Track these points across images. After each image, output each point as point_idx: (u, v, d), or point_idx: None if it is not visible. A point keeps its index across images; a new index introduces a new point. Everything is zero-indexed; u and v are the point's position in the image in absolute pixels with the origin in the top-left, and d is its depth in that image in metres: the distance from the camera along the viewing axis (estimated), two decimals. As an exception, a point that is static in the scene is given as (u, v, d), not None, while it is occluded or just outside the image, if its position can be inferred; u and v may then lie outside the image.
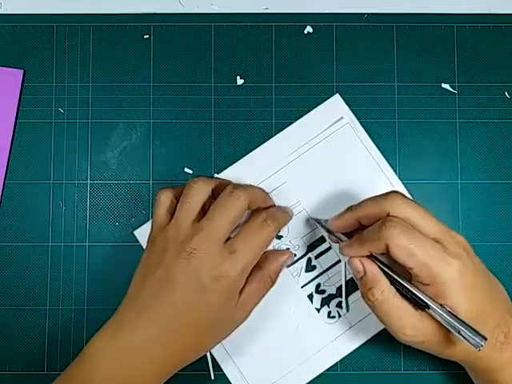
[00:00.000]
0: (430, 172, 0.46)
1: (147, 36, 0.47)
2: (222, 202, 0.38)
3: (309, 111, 0.46)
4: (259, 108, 0.46)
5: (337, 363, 0.44)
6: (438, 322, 0.36)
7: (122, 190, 0.46)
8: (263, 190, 0.42)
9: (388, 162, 0.45)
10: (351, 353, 0.44)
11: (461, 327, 0.34)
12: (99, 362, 0.36)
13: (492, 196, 0.45)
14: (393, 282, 0.37)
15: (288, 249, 0.45)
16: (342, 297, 0.44)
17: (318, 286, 0.45)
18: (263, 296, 0.41)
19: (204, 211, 0.39)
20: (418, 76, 0.46)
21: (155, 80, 0.46)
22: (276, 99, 0.46)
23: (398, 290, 0.37)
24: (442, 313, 0.35)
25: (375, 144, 0.46)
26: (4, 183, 0.45)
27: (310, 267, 0.45)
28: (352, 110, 0.46)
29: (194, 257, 0.36)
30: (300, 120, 0.46)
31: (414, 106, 0.46)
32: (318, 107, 0.46)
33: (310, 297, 0.45)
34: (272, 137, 0.46)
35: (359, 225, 0.40)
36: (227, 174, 0.45)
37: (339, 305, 0.44)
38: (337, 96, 0.46)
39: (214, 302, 0.37)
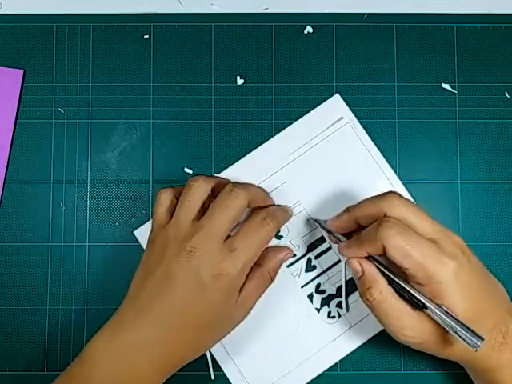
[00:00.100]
0: (429, 172, 0.46)
1: (147, 36, 0.47)
2: (221, 200, 0.38)
3: (309, 111, 0.46)
4: (259, 108, 0.46)
5: (337, 363, 0.44)
6: (436, 323, 0.36)
7: (122, 190, 0.46)
8: (263, 189, 0.42)
9: (388, 162, 0.45)
10: (351, 353, 0.44)
11: (458, 327, 0.34)
12: (99, 362, 0.36)
13: (492, 196, 0.45)
14: (391, 282, 0.37)
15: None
16: (342, 297, 0.44)
17: (318, 285, 0.45)
18: (262, 293, 0.41)
19: (204, 210, 0.39)
20: (418, 76, 0.46)
21: (155, 80, 0.46)
22: (276, 99, 0.46)
23: (396, 291, 0.37)
24: (439, 313, 0.35)
25: (375, 144, 0.46)
26: (4, 183, 0.45)
27: (310, 267, 0.45)
28: (352, 110, 0.46)
29: (193, 255, 0.37)
30: (300, 120, 0.46)
31: (414, 106, 0.46)
32: (318, 107, 0.46)
33: (310, 297, 0.45)
34: (272, 137, 0.46)
35: (358, 225, 0.40)
36: (227, 174, 0.45)
37: (339, 305, 0.44)
38: (337, 96, 0.46)
39: (214, 300, 0.37)
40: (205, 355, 0.43)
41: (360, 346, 0.44)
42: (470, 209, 0.45)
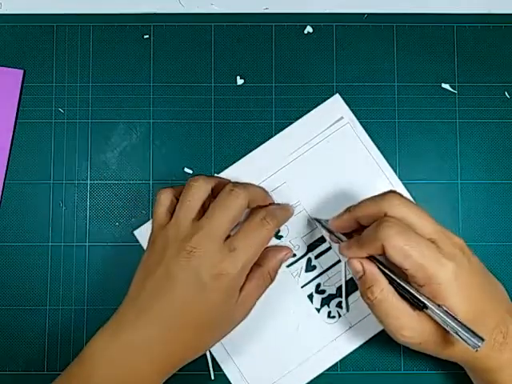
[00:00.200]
0: (429, 172, 0.46)
1: (147, 36, 0.47)
2: (221, 200, 0.38)
3: (309, 111, 0.46)
4: (259, 108, 0.46)
5: (337, 363, 0.44)
6: (436, 323, 0.36)
7: (122, 190, 0.46)
8: (263, 189, 0.42)
9: (388, 162, 0.45)
10: (351, 353, 0.44)
11: (458, 328, 0.34)
12: (99, 362, 0.36)
13: (492, 196, 0.45)
14: (391, 282, 0.37)
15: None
16: (342, 297, 0.44)
17: (318, 285, 0.45)
18: (262, 293, 0.41)
19: (204, 210, 0.39)
20: (418, 76, 0.46)
21: (155, 80, 0.46)
22: (276, 99, 0.46)
23: (396, 291, 0.37)
24: (439, 313, 0.35)
25: (375, 144, 0.46)
26: (4, 183, 0.45)
27: (310, 267, 0.45)
28: (352, 110, 0.46)
29: (193, 255, 0.37)
30: (300, 120, 0.46)
31: (414, 106, 0.46)
32: (318, 107, 0.46)
33: (310, 297, 0.45)
34: (272, 137, 0.46)
35: (359, 225, 0.40)
36: (227, 174, 0.45)
37: (339, 305, 0.44)
38: (337, 96, 0.46)
39: (214, 300, 0.37)
40: (205, 355, 0.43)
41: (360, 346, 0.44)
42: (470, 209, 0.45)
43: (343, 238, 0.41)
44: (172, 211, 0.39)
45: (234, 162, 0.46)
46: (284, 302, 0.44)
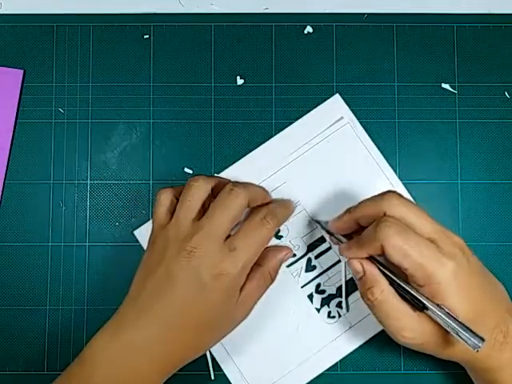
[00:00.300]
0: (429, 172, 0.46)
1: (147, 36, 0.47)
2: (221, 200, 0.38)
3: (309, 111, 0.46)
4: (259, 108, 0.46)
5: (337, 363, 0.44)
6: (436, 324, 0.36)
7: (122, 190, 0.46)
8: (263, 188, 0.42)
9: (388, 162, 0.45)
10: (351, 353, 0.44)
11: (458, 328, 0.34)
12: (99, 362, 0.36)
13: (492, 196, 0.45)
14: (391, 283, 0.37)
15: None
16: (342, 297, 0.44)
17: (318, 285, 0.45)
18: (263, 293, 0.41)
19: (204, 210, 0.39)
20: (418, 76, 0.46)
21: (155, 80, 0.46)
22: (276, 99, 0.46)
23: (396, 292, 0.37)
24: (439, 313, 0.35)
25: (375, 144, 0.46)
26: (4, 183, 0.45)
27: (310, 267, 0.45)
28: (352, 110, 0.46)
29: (194, 255, 0.37)
30: (300, 120, 0.46)
31: (414, 106, 0.46)
32: (318, 107, 0.46)
33: (310, 297, 0.45)
34: (272, 137, 0.46)
35: (358, 226, 0.40)
36: (227, 174, 0.45)
37: (339, 305, 0.44)
38: (337, 96, 0.46)
39: (215, 300, 0.37)
40: (205, 355, 0.43)
41: (360, 346, 0.44)
42: (470, 209, 0.45)
43: (343, 239, 0.41)
44: (172, 211, 0.39)
45: (234, 162, 0.46)
46: (284, 302, 0.44)
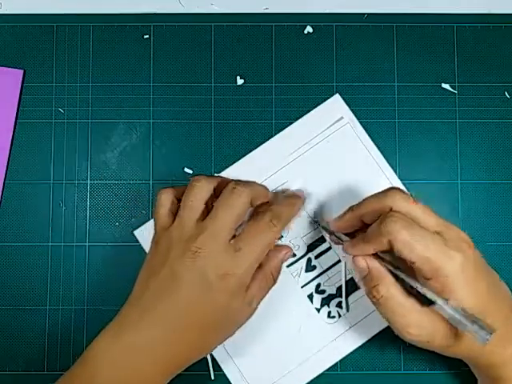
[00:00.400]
0: (429, 172, 0.46)
1: (147, 36, 0.47)
2: (224, 199, 0.38)
3: (309, 111, 0.46)
4: (259, 108, 0.46)
5: (337, 363, 0.44)
6: (442, 320, 0.36)
7: (122, 190, 0.46)
8: (265, 186, 0.42)
9: (388, 162, 0.45)
10: (351, 353, 0.44)
11: (467, 321, 0.34)
12: (101, 363, 0.36)
13: (492, 196, 0.45)
14: (397, 279, 0.37)
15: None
16: (342, 297, 0.44)
17: (318, 285, 0.45)
18: (266, 294, 0.41)
19: (207, 210, 0.39)
20: (418, 76, 0.46)
21: (155, 80, 0.46)
22: (276, 99, 0.46)
23: (402, 288, 0.37)
24: (447, 307, 0.35)
25: (375, 144, 0.46)
26: (4, 183, 0.45)
27: (310, 267, 0.45)
28: (352, 110, 0.46)
29: (199, 256, 0.36)
30: (300, 120, 0.46)
31: (414, 106, 0.46)
32: (318, 107, 0.46)
33: (310, 297, 0.45)
34: (272, 137, 0.46)
35: (361, 224, 0.40)
36: (227, 174, 0.45)
37: (339, 305, 0.44)
38: (337, 96, 0.46)
39: (220, 300, 0.37)
40: (205, 355, 0.44)
41: (360, 346, 0.44)
42: (470, 209, 0.45)
43: (344, 238, 0.40)
44: (174, 212, 0.39)
45: (234, 162, 0.46)
46: (284, 302, 0.44)
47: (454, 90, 0.46)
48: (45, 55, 0.47)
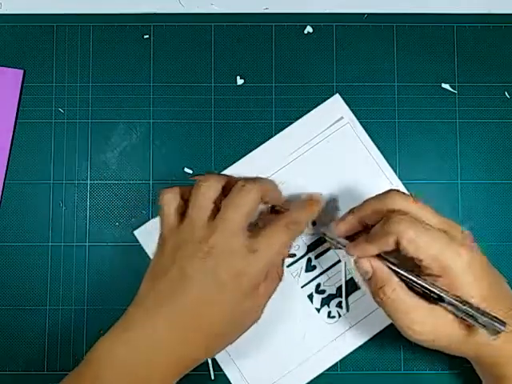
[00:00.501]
0: (429, 172, 0.46)
1: (147, 36, 0.47)
2: (234, 197, 0.37)
3: (309, 111, 0.46)
4: (259, 108, 0.46)
5: (337, 363, 0.44)
6: (449, 318, 0.36)
7: (122, 190, 0.46)
8: (274, 182, 0.41)
9: (388, 162, 0.45)
10: (351, 353, 0.44)
11: (478, 315, 0.34)
12: (105, 364, 0.36)
13: (492, 196, 0.45)
14: (402, 279, 0.37)
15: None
16: (342, 297, 0.44)
17: (318, 285, 0.45)
18: (273, 293, 0.40)
19: (217, 208, 0.38)
20: (418, 76, 0.46)
21: (155, 80, 0.46)
22: (276, 99, 0.46)
23: (407, 287, 0.37)
24: (458, 303, 0.35)
25: (375, 144, 0.46)
26: (4, 183, 0.45)
27: (309, 267, 0.45)
28: (352, 110, 0.46)
29: (211, 256, 0.36)
30: (300, 120, 0.46)
31: (414, 106, 0.46)
32: (318, 107, 0.46)
33: (310, 297, 0.45)
34: (272, 137, 0.46)
35: (362, 227, 0.40)
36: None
37: (339, 305, 0.44)
38: (337, 96, 0.46)
39: (232, 300, 0.36)
40: (205, 355, 0.43)
41: (360, 346, 0.44)
42: (470, 209, 0.45)
43: (343, 241, 0.40)
44: (180, 211, 0.39)
45: (234, 162, 0.46)
46: (284, 302, 0.44)
47: (454, 89, 0.46)
48: (45, 55, 0.47)
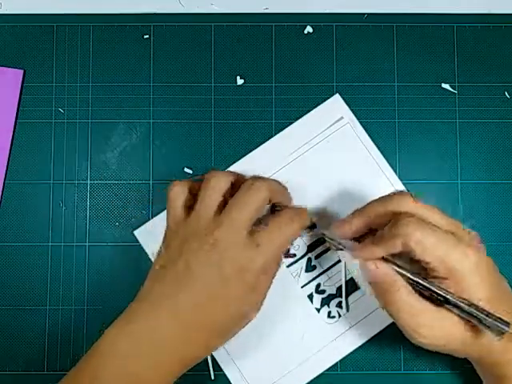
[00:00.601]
0: (430, 172, 0.46)
1: (147, 36, 0.47)
2: (243, 194, 0.37)
3: (309, 111, 0.46)
4: (259, 108, 0.46)
5: (337, 363, 0.44)
6: (455, 320, 0.36)
7: (122, 190, 0.46)
8: (281, 183, 0.41)
9: (388, 162, 0.45)
10: (351, 353, 0.44)
11: (484, 315, 0.34)
12: (107, 356, 0.35)
13: (492, 196, 0.45)
14: (409, 282, 0.37)
15: (288, 248, 0.45)
16: (342, 297, 0.44)
17: (318, 285, 0.45)
18: (272, 283, 0.39)
19: (225, 204, 0.38)
20: (418, 76, 0.46)
21: (155, 80, 0.46)
22: (276, 99, 0.46)
23: (414, 289, 0.37)
24: (462, 304, 0.35)
25: (375, 144, 0.46)
26: (4, 183, 0.45)
27: (309, 267, 0.45)
28: (352, 110, 0.46)
29: (216, 249, 0.36)
30: (300, 120, 0.46)
31: (414, 106, 0.46)
32: (318, 107, 0.46)
33: (310, 297, 0.45)
34: (272, 137, 0.46)
35: (367, 229, 0.40)
36: (227, 174, 0.45)
37: (339, 305, 0.44)
38: (337, 96, 0.46)
39: (236, 294, 0.36)
40: (205, 355, 0.43)
41: (360, 346, 0.44)
42: (470, 209, 0.45)
43: (344, 242, 0.40)
44: (188, 205, 0.38)
45: (234, 162, 0.46)
46: (284, 302, 0.44)
47: (454, 89, 0.46)
48: (45, 55, 0.47)
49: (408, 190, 0.45)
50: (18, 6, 0.47)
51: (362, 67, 0.46)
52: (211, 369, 0.44)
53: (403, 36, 0.47)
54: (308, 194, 0.45)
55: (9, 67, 0.46)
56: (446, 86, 0.46)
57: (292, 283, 0.45)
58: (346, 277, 0.44)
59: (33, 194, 0.46)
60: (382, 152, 0.46)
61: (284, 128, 0.46)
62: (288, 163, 0.45)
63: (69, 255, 0.45)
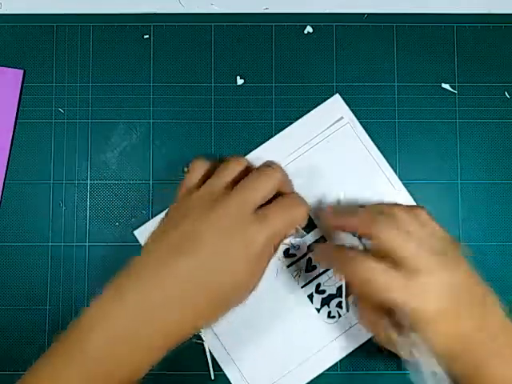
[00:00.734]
0: (429, 172, 0.46)
1: (147, 36, 0.47)
2: (254, 180, 0.38)
3: (309, 111, 0.46)
4: (259, 108, 0.46)
5: (337, 363, 0.44)
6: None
7: (122, 190, 0.46)
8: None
9: (388, 162, 0.45)
10: (351, 353, 0.44)
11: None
12: (97, 324, 0.34)
13: (492, 196, 0.45)
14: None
15: (288, 248, 0.45)
16: (341, 297, 0.44)
17: (318, 285, 0.45)
18: (266, 269, 0.39)
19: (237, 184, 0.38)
20: (418, 76, 0.46)
21: (155, 80, 0.46)
22: (276, 99, 0.46)
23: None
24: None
25: (375, 144, 0.46)
26: (4, 183, 0.45)
27: (309, 267, 0.45)
28: (352, 110, 0.46)
29: (224, 217, 0.36)
30: (300, 120, 0.46)
31: (414, 106, 0.46)
32: (318, 107, 0.46)
33: (310, 297, 0.45)
34: (272, 137, 0.46)
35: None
36: (227, 174, 0.45)
37: (339, 305, 0.44)
38: (337, 96, 0.46)
39: (238, 267, 0.36)
40: (205, 355, 0.43)
41: (360, 346, 0.44)
42: (470, 209, 0.45)
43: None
44: (203, 180, 0.39)
45: (234, 162, 0.46)
46: (284, 302, 0.44)
47: (454, 89, 0.46)
48: (45, 55, 0.47)
49: (408, 190, 0.45)
50: (18, 6, 0.47)
51: (362, 67, 0.46)
52: (211, 369, 0.44)
53: (403, 36, 0.47)
54: (308, 194, 0.45)
55: (9, 67, 0.46)
56: (446, 85, 0.46)
57: (292, 283, 0.45)
58: (346, 277, 0.44)
59: (33, 194, 0.46)
60: (381, 152, 0.46)
61: (284, 128, 0.46)
62: (288, 163, 0.45)
63: (69, 255, 0.45)
